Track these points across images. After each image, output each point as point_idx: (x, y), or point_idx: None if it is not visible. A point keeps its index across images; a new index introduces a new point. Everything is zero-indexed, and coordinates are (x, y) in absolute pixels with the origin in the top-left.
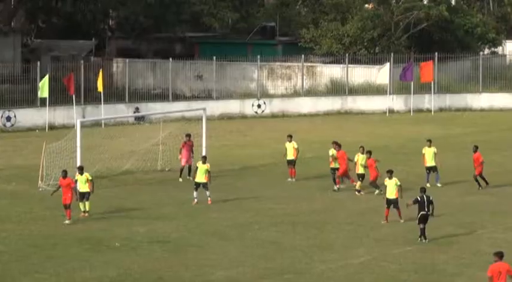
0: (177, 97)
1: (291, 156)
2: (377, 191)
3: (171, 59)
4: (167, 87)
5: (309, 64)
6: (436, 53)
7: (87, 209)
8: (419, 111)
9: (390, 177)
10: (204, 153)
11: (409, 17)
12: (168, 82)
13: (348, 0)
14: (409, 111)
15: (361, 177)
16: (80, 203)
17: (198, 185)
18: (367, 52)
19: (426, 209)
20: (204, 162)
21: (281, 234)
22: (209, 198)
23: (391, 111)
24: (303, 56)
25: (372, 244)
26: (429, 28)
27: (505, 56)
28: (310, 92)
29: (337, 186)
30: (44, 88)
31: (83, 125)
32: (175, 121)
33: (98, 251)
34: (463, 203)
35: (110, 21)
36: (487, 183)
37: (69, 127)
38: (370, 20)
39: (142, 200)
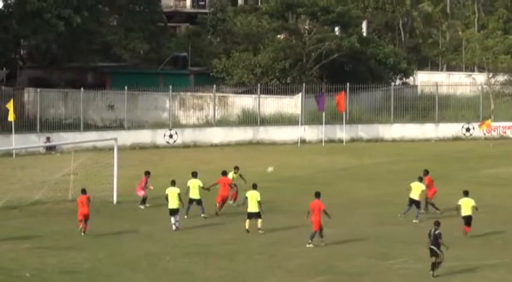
0: (89, 127)
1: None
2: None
3: (82, 89)
4: (79, 117)
5: (221, 94)
6: (348, 84)
7: None
8: (331, 141)
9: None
10: (115, 184)
11: (321, 47)
12: (79, 112)
13: (259, 30)
14: (321, 141)
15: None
16: None
17: (175, 211)
18: (279, 82)
19: (431, 243)
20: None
21: (193, 265)
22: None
23: (303, 141)
24: (214, 86)
25: (284, 275)
26: (341, 58)
27: (416, 86)
28: (222, 122)
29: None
30: None
31: None
32: (87, 151)
33: None
34: (376, 233)
35: (21, 51)
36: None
37: None
38: (282, 51)
39: (54, 230)
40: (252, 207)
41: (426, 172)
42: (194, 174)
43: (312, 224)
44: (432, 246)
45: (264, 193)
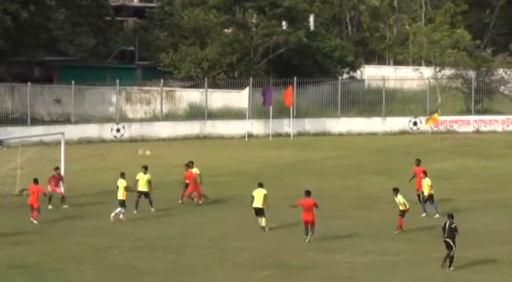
0: (36, 121)
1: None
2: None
3: (29, 83)
4: (25, 111)
5: (168, 88)
6: (295, 78)
7: None
8: (278, 135)
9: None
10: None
11: (268, 41)
12: (26, 106)
13: (207, 24)
14: (268, 135)
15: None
16: None
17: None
18: (226, 76)
19: (446, 236)
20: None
21: (140, 258)
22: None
23: (250, 135)
24: (162, 80)
25: (231, 268)
26: (288, 53)
27: (363, 80)
28: (169, 116)
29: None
30: None
31: None
32: (34, 145)
33: None
34: (322, 227)
35: None
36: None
37: None
38: (229, 45)
39: (0, 224)
40: (258, 202)
41: (419, 162)
42: (145, 168)
43: (303, 221)
44: (447, 239)
45: (211, 187)
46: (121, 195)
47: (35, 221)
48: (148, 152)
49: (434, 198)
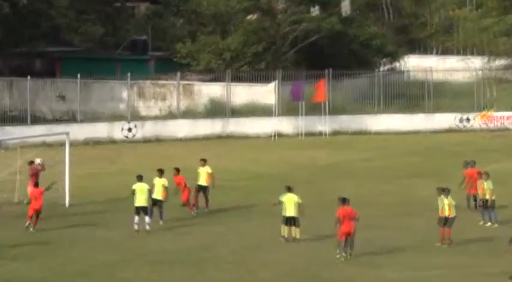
0: (37, 120)
1: (203, 181)
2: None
3: (29, 77)
4: (25, 108)
5: (186, 82)
6: (329, 70)
7: None
8: (310, 134)
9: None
10: (67, 184)
11: (297, 29)
12: (26, 103)
13: (228, 10)
14: (299, 134)
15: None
16: None
17: (143, 209)
18: (251, 68)
19: None
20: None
21: (155, 274)
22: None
23: (278, 134)
24: (178, 73)
25: None
26: (320, 41)
27: (405, 72)
28: (188, 114)
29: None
30: None
31: None
32: (35, 147)
33: None
34: (363, 238)
35: None
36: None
37: None
38: (254, 33)
39: None
40: (291, 211)
41: (468, 164)
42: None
43: (340, 233)
44: None
45: (233, 193)
46: (143, 200)
47: (31, 229)
48: (38, 161)
49: (495, 205)
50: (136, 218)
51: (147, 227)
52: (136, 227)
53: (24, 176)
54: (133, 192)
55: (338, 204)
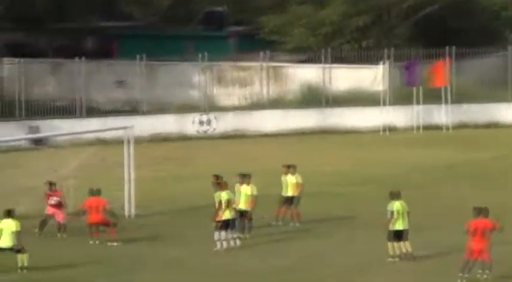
0: (91, 111)
1: (288, 192)
2: None
3: (80, 59)
4: (76, 97)
5: (274, 64)
6: (451, 48)
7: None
8: (427, 128)
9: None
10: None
11: None
12: (76, 91)
13: None
14: (414, 128)
15: None
16: None
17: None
18: (354, 47)
19: None
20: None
21: None
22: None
23: (389, 128)
24: (263, 53)
25: None
26: (439, 13)
27: None
28: (276, 103)
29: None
30: None
31: None
32: (89, 145)
33: None
34: (498, 255)
35: None
36: None
37: None
38: (357, 3)
39: (46, 256)
40: (401, 224)
41: None
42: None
43: (470, 250)
44: None
45: (332, 201)
46: (228, 212)
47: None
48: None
49: None
50: (222, 233)
51: (231, 244)
52: (219, 245)
53: (78, 180)
54: (219, 203)
55: (473, 215)
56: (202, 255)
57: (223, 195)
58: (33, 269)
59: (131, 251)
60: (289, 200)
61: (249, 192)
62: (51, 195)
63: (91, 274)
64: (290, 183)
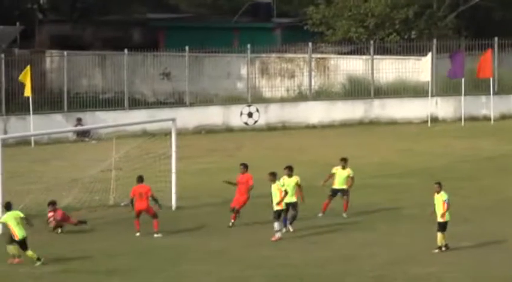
0: (136, 103)
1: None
2: None
3: (126, 51)
4: (122, 89)
5: (319, 55)
6: (497, 39)
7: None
8: (473, 119)
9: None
10: (174, 182)
11: None
12: (122, 83)
13: None
14: (460, 119)
15: None
16: (13, 247)
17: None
18: (400, 38)
19: None
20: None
21: None
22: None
23: (435, 119)
24: (310, 44)
25: None
26: (486, 3)
27: None
28: (322, 95)
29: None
30: None
31: (4, 144)
32: (134, 137)
33: None
34: None
35: None
36: None
37: None
38: None
39: (89, 247)
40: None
41: None
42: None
43: None
44: None
45: (379, 193)
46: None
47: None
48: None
49: None
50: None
51: (278, 235)
52: (279, 234)
53: (121, 172)
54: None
55: None
56: (245, 246)
57: (293, 180)
58: (77, 259)
59: (176, 243)
60: (339, 192)
61: (295, 183)
62: (53, 214)
63: (134, 265)
64: (341, 176)
